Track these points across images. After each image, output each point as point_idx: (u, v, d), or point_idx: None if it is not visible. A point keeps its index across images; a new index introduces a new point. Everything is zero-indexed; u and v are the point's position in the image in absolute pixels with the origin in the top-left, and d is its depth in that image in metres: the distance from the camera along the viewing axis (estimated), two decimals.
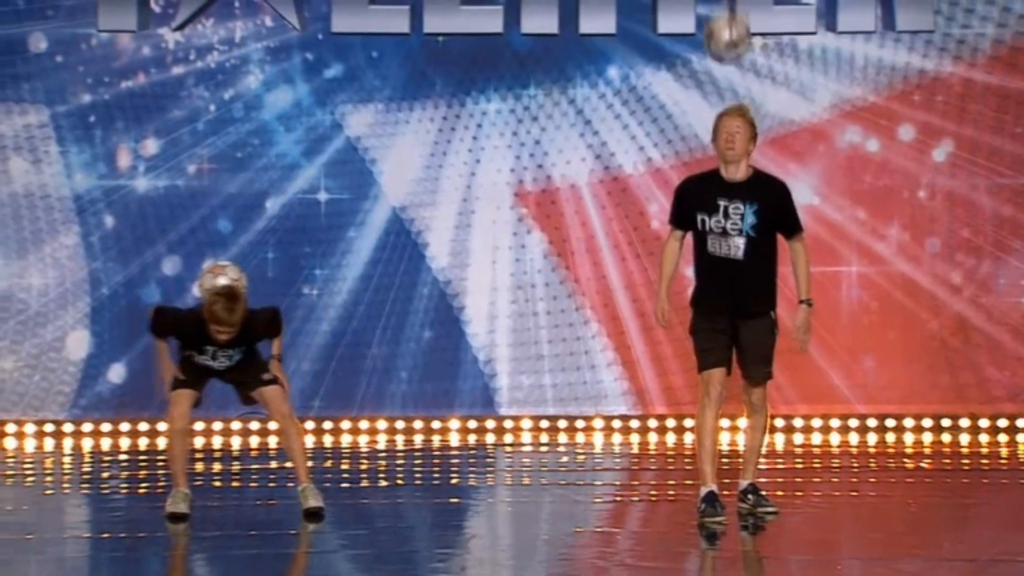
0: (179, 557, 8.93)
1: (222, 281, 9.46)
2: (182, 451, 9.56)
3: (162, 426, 13.21)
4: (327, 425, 13.54)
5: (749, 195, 9.27)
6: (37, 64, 13.60)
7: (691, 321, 9.45)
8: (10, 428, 13.51)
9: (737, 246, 9.24)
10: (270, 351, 9.69)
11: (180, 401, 9.51)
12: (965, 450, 12.75)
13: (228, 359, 9.51)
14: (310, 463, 9.78)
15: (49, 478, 11.85)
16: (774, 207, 9.36)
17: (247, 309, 9.37)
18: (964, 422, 13.63)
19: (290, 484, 9.91)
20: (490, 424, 13.72)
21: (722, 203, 9.26)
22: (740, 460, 9.84)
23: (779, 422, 13.51)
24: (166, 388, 9.56)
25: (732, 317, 9.32)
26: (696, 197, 9.35)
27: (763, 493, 9.60)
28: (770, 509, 9.52)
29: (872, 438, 13.34)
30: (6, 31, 13.57)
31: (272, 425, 9.85)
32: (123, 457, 12.54)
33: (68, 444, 13.21)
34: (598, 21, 13.58)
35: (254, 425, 13.42)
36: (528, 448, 13.02)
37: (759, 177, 9.43)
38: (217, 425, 13.47)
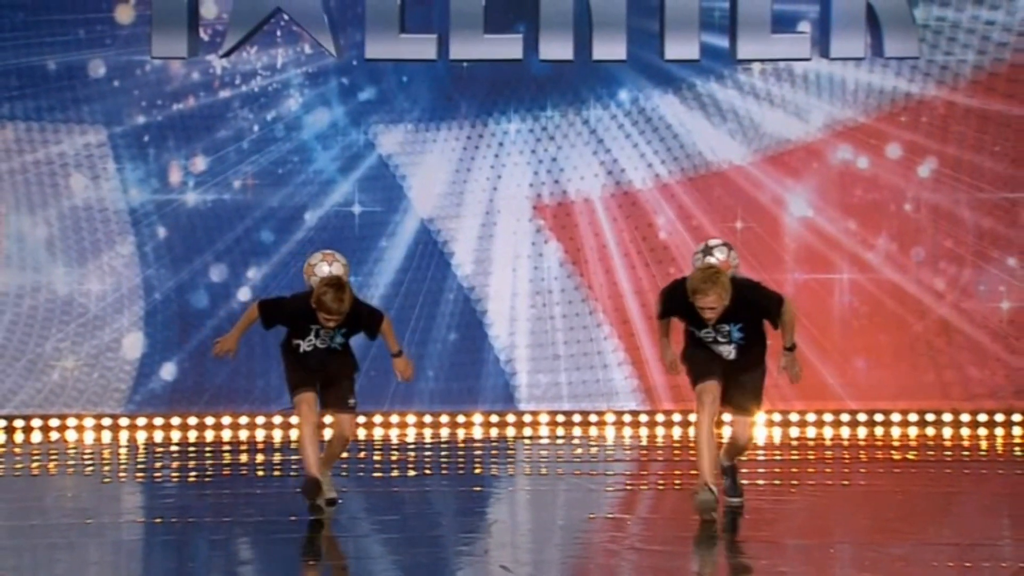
0: (225, 541, 8.94)
1: (332, 270, 9.19)
2: (313, 443, 9.19)
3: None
4: (361, 420, 13.54)
5: (733, 317, 8.92)
6: (96, 88, 13.64)
7: (683, 349, 9.18)
8: (71, 422, 13.54)
9: (729, 351, 9.01)
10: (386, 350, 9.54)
11: (307, 400, 9.23)
12: (948, 443, 12.72)
13: (329, 339, 9.26)
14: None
15: (107, 468, 11.87)
16: (757, 318, 9.02)
17: (354, 298, 9.15)
18: (947, 417, 13.59)
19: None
20: (510, 419, 13.71)
21: (707, 327, 8.96)
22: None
23: (776, 416, 13.49)
24: (230, 337, 9.33)
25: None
26: (682, 309, 8.97)
27: (739, 480, 9.31)
28: (736, 501, 9.25)
29: (862, 432, 13.31)
30: (68, 58, 13.61)
31: (328, 431, 9.57)
32: (174, 449, 12.56)
33: (124, 437, 13.24)
34: (610, 48, 13.58)
35: (295, 419, 13.43)
36: (545, 441, 13.01)
37: (739, 298, 8.91)
38: (260, 419, 13.48)
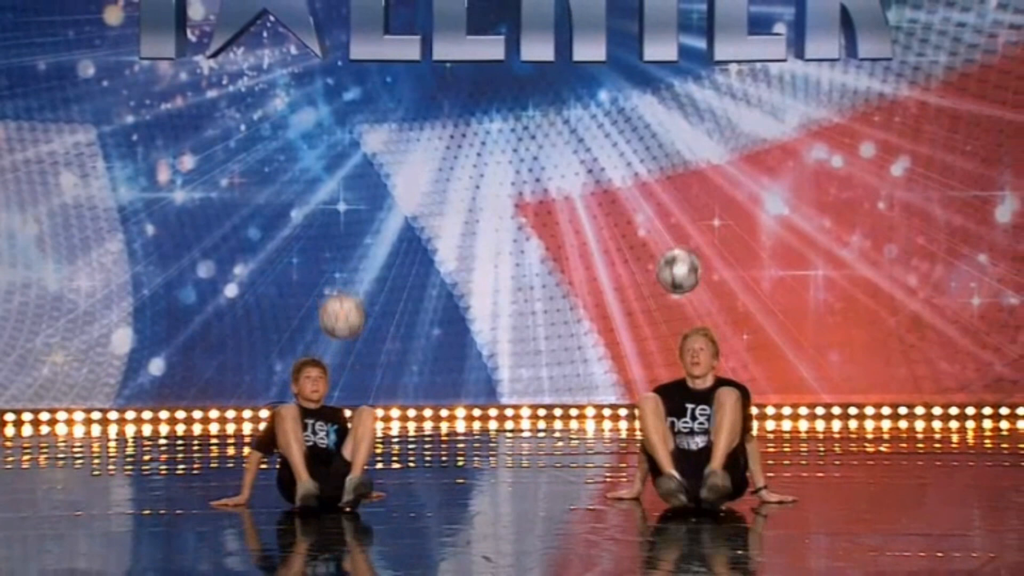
0: (212, 532, 8.95)
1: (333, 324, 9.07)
2: (298, 449, 8.99)
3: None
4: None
5: (709, 397, 8.94)
6: (85, 88, 13.63)
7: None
8: (61, 416, 13.53)
9: (699, 442, 8.95)
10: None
11: (290, 411, 9.06)
12: (920, 436, 12.77)
13: (326, 435, 9.12)
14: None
15: (96, 461, 11.87)
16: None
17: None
18: (919, 410, 13.65)
19: None
20: (493, 412, 13.75)
21: (689, 406, 8.98)
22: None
23: (753, 410, 13.50)
24: (242, 497, 9.17)
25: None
26: (667, 402, 9.01)
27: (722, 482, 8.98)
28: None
29: (836, 425, 13.35)
30: (58, 59, 13.60)
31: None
32: (162, 442, 12.56)
33: (113, 430, 13.23)
34: (590, 49, 13.61)
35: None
36: (527, 434, 13.03)
37: (723, 382, 9.05)
38: (247, 413, 13.49)
